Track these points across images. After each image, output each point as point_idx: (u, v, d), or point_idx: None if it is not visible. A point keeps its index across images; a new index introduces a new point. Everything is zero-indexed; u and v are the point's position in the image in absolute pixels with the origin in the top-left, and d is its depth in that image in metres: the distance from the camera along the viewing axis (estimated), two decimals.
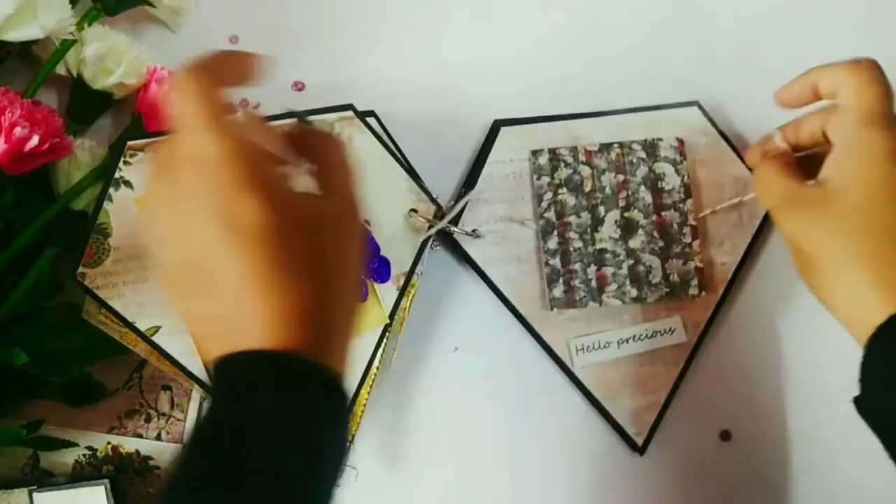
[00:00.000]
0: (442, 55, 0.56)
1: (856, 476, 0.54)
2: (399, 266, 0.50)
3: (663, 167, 0.53)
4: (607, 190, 0.53)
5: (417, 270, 0.51)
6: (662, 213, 0.53)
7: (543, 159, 0.53)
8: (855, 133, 0.41)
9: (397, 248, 0.50)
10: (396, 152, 0.51)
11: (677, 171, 0.53)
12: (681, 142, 0.54)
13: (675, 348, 0.53)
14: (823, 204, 0.41)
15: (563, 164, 0.53)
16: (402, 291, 0.50)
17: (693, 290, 0.53)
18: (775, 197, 0.43)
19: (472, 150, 0.55)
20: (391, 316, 0.50)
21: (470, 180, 0.54)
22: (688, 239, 0.53)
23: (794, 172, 0.43)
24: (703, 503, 0.54)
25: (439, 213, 0.51)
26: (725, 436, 0.54)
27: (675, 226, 0.53)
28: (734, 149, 0.54)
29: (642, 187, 0.53)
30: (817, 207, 0.41)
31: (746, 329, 0.55)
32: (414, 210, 0.51)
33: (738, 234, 0.54)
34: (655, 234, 0.53)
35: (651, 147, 0.53)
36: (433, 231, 0.50)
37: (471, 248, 0.52)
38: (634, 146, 0.53)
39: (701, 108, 0.55)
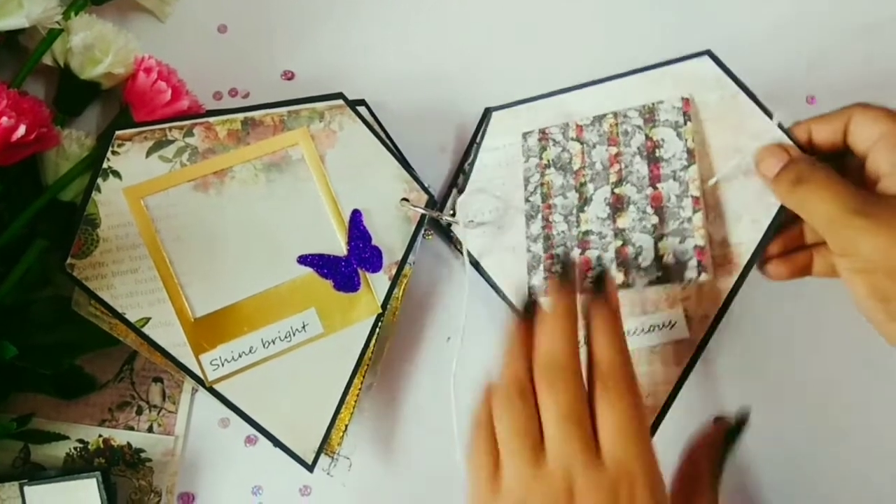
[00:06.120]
0: (432, 43, 0.56)
1: (862, 473, 0.53)
2: (391, 255, 0.50)
3: (662, 133, 0.46)
4: (597, 166, 0.48)
5: (409, 259, 0.50)
6: (658, 186, 0.46)
7: (533, 140, 0.50)
8: None
9: (389, 238, 0.50)
10: (387, 141, 0.51)
11: (679, 135, 0.46)
12: (686, 101, 0.46)
13: (677, 345, 0.46)
14: None
15: (552, 143, 0.50)
16: (395, 281, 0.50)
17: (691, 273, 0.44)
18: (838, 207, 0.38)
19: (463, 139, 0.55)
20: (383, 305, 0.50)
21: (462, 169, 0.53)
22: (687, 213, 0.45)
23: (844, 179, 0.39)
24: None
25: (431, 202, 0.51)
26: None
27: (674, 198, 0.45)
28: (756, 101, 0.45)
29: (637, 158, 0.47)
30: None
31: (761, 322, 0.52)
32: (405, 199, 0.50)
33: (760, 206, 0.44)
34: (649, 209, 0.46)
35: (649, 112, 0.47)
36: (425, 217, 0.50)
37: (464, 237, 0.51)
38: (630, 113, 0.48)
39: (713, 57, 0.47)
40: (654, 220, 0.46)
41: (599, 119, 0.49)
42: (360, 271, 0.49)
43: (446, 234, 0.53)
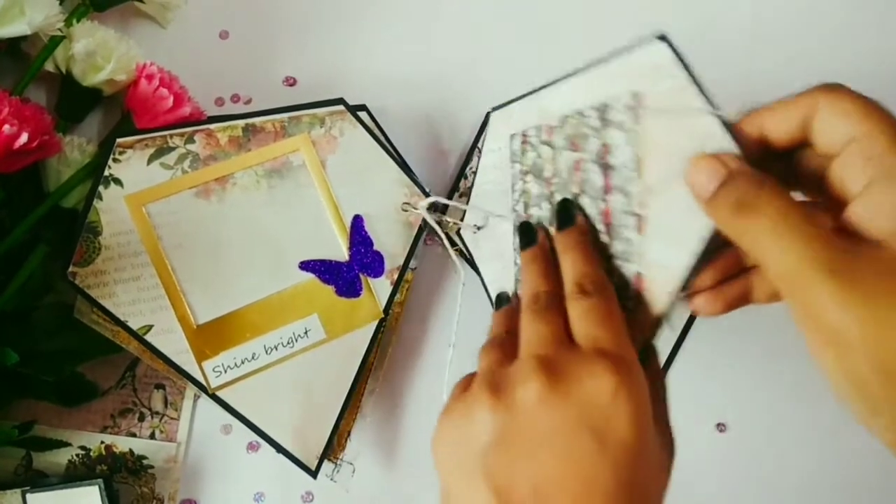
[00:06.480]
0: (433, 48, 0.56)
1: (850, 462, 0.54)
2: (392, 260, 0.50)
3: (613, 135, 0.37)
4: (563, 173, 0.40)
5: (411, 264, 0.50)
6: (607, 198, 0.38)
7: (517, 144, 0.45)
8: None
9: (390, 242, 0.50)
10: (388, 145, 0.51)
11: (628, 139, 0.37)
12: (638, 97, 0.36)
13: None
14: None
15: (529, 147, 0.44)
16: (396, 286, 0.50)
17: (629, 303, 0.36)
18: (800, 257, 0.27)
19: (464, 142, 0.55)
20: (385, 310, 0.50)
21: (463, 173, 0.53)
22: (630, 233, 0.36)
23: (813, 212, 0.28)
24: (702, 495, 0.54)
25: (432, 207, 0.51)
26: (721, 427, 0.54)
27: (620, 215, 0.37)
28: (703, 92, 0.33)
29: (594, 166, 0.38)
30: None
31: (732, 322, 0.53)
32: (407, 203, 0.50)
33: (693, 226, 0.33)
34: (601, 226, 0.38)
35: (603, 110, 0.38)
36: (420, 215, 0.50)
37: (462, 243, 0.51)
38: (588, 112, 0.39)
39: (669, 42, 0.35)
40: (606, 238, 0.38)
41: (564, 120, 0.41)
42: (361, 276, 0.49)
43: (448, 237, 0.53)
